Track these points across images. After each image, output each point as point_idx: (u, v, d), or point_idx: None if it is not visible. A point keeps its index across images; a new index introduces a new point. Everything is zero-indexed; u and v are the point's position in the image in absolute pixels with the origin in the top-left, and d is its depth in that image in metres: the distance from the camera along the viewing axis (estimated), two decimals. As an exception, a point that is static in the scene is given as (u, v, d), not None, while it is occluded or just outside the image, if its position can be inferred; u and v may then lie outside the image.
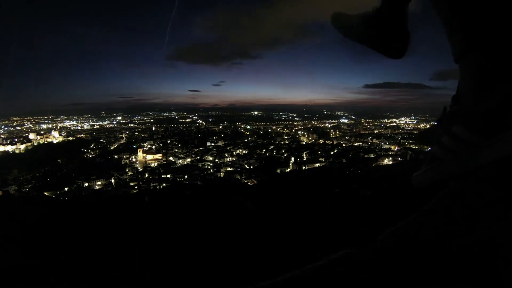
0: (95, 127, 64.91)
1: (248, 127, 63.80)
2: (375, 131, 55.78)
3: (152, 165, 37.23)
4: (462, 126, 0.41)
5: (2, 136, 49.91)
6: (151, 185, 26.97)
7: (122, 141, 50.03)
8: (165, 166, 35.09)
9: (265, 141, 46.35)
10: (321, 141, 47.09)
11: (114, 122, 69.39)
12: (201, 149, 41.00)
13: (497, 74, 0.37)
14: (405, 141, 43.89)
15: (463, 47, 0.41)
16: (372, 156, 36.69)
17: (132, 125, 66.90)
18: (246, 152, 39.73)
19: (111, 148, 46.39)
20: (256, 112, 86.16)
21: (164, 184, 25.73)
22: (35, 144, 44.68)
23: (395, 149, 40.70)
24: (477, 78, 0.40)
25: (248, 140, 47.97)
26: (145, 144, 44.31)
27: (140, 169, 35.09)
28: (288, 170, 31.22)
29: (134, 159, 39.67)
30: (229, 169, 32.87)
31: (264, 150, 40.36)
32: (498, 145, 0.35)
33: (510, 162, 0.35)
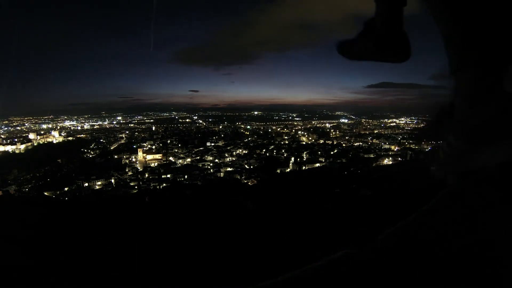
0: (95, 127, 64.85)
1: (248, 127, 63.76)
2: (375, 131, 55.74)
3: (152, 165, 37.20)
4: (455, 137, 0.44)
5: (2, 136, 49.86)
6: (151, 185, 26.96)
7: (122, 141, 49.97)
8: (165, 166, 35.06)
9: (265, 141, 46.30)
10: (321, 141, 47.05)
11: (114, 122, 69.33)
12: (201, 149, 40.96)
13: (490, 88, 0.39)
14: (405, 141, 43.86)
15: (459, 63, 0.43)
16: (372, 156, 36.69)
17: (132, 125, 66.84)
18: (246, 152, 39.70)
19: (111, 148, 46.35)
20: (256, 112, 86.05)
21: (164, 184, 25.75)
22: (35, 144, 44.64)
23: (395, 149, 40.68)
24: (470, 92, 0.42)
25: (248, 140, 47.92)
26: (145, 144, 44.27)
27: (140, 169, 35.06)
28: (288, 170, 31.23)
29: (134, 159, 39.62)
30: (229, 169, 32.85)
31: (264, 150, 40.33)
32: (486, 153, 0.39)
33: (509, 165, 0.37)
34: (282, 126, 63.82)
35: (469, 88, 0.43)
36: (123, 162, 38.35)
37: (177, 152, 40.64)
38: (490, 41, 0.38)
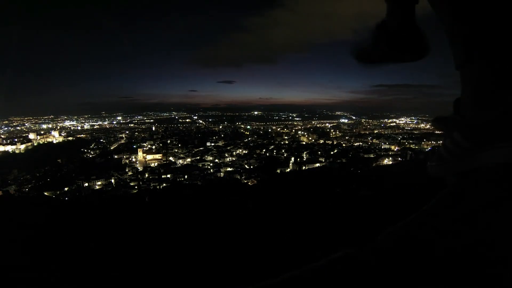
0: (95, 127, 64.91)
1: (248, 127, 63.80)
2: (375, 131, 55.80)
3: (152, 165, 37.20)
4: (460, 134, 0.43)
5: (2, 136, 49.88)
6: (151, 185, 26.93)
7: (122, 141, 49.99)
8: (165, 166, 35.05)
9: (265, 141, 46.32)
10: (321, 141, 47.07)
11: (114, 122, 69.40)
12: (201, 149, 40.96)
13: (495, 87, 0.38)
14: (405, 141, 43.89)
15: (465, 57, 0.42)
16: (372, 156, 36.65)
17: (132, 125, 66.90)
18: (246, 152, 39.70)
19: (111, 148, 46.36)
20: (256, 112, 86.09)
21: (164, 184, 25.71)
22: (35, 144, 44.66)
23: (395, 149, 40.68)
24: (476, 89, 0.42)
25: (248, 140, 47.94)
26: (145, 144, 44.28)
27: (140, 169, 35.05)
28: (288, 170, 31.19)
29: (134, 159, 39.63)
30: (229, 169, 32.84)
31: (264, 150, 40.32)
32: (488, 153, 0.38)
33: (509, 166, 0.37)
34: (282, 126, 63.86)
35: (472, 83, 0.42)
36: (123, 162, 38.34)
37: (177, 152, 40.64)
38: (495, 36, 0.38)
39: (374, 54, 0.60)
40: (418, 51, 0.57)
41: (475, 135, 0.41)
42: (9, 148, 41.58)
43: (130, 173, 33.34)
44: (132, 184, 28.54)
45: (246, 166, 34.07)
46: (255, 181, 25.84)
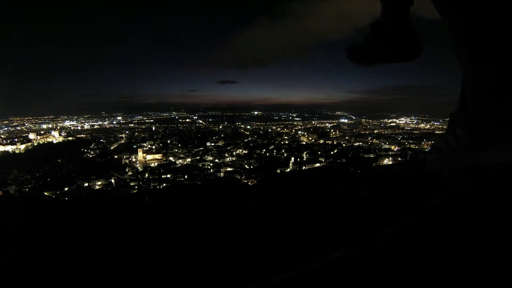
0: (95, 127, 64.93)
1: (248, 127, 63.80)
2: (375, 131, 55.82)
3: (152, 165, 37.21)
4: (463, 131, 0.43)
5: (2, 136, 49.89)
6: (151, 185, 26.96)
7: (122, 141, 50.00)
8: (165, 166, 35.06)
9: (265, 141, 46.33)
10: (321, 141, 47.09)
11: (114, 122, 69.42)
12: (201, 149, 40.98)
13: (495, 87, 0.39)
14: (405, 141, 43.90)
15: (466, 57, 0.43)
16: (372, 156, 36.67)
17: (132, 125, 66.91)
18: (246, 152, 39.72)
19: (111, 148, 46.36)
20: (256, 112, 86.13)
21: (164, 184, 25.72)
22: (35, 144, 44.66)
23: (395, 149, 40.69)
24: (477, 89, 0.42)
25: (248, 140, 47.95)
26: (145, 144, 44.29)
27: (140, 169, 35.07)
28: (288, 170, 31.18)
29: (134, 159, 39.65)
30: (229, 169, 32.86)
31: (264, 150, 40.34)
32: (488, 153, 0.38)
33: (508, 166, 0.37)
34: (282, 126, 63.86)
35: (475, 82, 0.42)
36: (123, 162, 38.36)
37: (177, 152, 40.65)
38: (495, 36, 0.38)
39: (368, 53, 0.60)
40: (412, 52, 0.57)
41: (476, 135, 0.41)
42: (9, 148, 41.58)
43: (130, 173, 33.35)
44: (132, 184, 28.56)
45: (246, 166, 34.08)
46: (255, 181, 25.81)
